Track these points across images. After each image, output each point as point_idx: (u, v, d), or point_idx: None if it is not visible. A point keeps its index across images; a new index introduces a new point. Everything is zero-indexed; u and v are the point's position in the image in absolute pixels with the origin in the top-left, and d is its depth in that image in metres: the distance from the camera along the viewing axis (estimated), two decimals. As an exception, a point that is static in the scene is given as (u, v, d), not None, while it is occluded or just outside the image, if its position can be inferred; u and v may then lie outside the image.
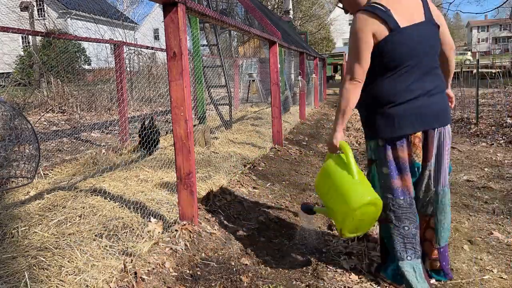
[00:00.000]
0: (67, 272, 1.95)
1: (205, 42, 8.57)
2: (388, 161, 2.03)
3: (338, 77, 27.41)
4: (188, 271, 2.20)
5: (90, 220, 2.55)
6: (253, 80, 11.25)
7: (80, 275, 1.92)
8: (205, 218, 2.77)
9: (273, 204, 3.47)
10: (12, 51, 19.42)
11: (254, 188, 3.79)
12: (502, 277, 2.28)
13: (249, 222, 2.98)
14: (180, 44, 2.40)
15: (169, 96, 2.47)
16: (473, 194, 3.74)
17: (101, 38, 9.13)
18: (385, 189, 2.06)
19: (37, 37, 14.13)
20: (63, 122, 8.23)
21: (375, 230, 2.79)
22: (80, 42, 17.11)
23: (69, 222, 2.53)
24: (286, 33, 8.70)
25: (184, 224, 2.52)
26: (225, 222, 2.87)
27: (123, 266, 2.02)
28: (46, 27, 13.94)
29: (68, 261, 2.04)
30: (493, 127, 7.07)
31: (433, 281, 2.20)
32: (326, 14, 38.09)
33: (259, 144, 5.64)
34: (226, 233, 2.72)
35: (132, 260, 2.10)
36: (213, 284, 2.15)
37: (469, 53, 44.86)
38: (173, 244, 2.35)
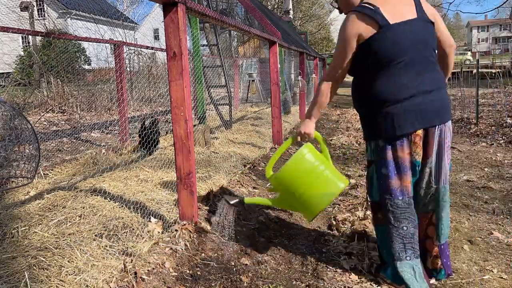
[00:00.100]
0: (67, 272, 1.95)
1: (205, 42, 8.58)
2: (388, 161, 2.03)
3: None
4: (188, 271, 2.20)
5: (90, 220, 2.55)
6: (253, 80, 11.24)
7: (80, 275, 1.92)
8: (205, 218, 2.77)
9: (273, 204, 3.46)
10: (12, 51, 19.43)
11: (254, 188, 3.79)
12: (502, 277, 2.28)
13: (249, 222, 2.98)
14: (180, 44, 2.40)
15: (169, 96, 2.47)
16: (473, 194, 3.74)
17: (101, 38, 9.13)
18: (383, 189, 2.06)
19: (37, 37, 14.16)
20: (63, 122, 8.23)
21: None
22: (80, 42, 17.12)
23: (69, 222, 2.53)
24: (286, 33, 8.71)
25: (184, 224, 2.52)
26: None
27: (123, 266, 2.02)
28: (46, 27, 13.95)
29: (68, 261, 2.04)
30: (493, 127, 7.07)
31: (433, 281, 2.20)
32: (326, 14, 38.05)
33: (259, 144, 5.64)
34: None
35: (132, 260, 2.10)
36: (213, 284, 2.15)
37: (469, 53, 44.79)
38: (173, 244, 2.35)
